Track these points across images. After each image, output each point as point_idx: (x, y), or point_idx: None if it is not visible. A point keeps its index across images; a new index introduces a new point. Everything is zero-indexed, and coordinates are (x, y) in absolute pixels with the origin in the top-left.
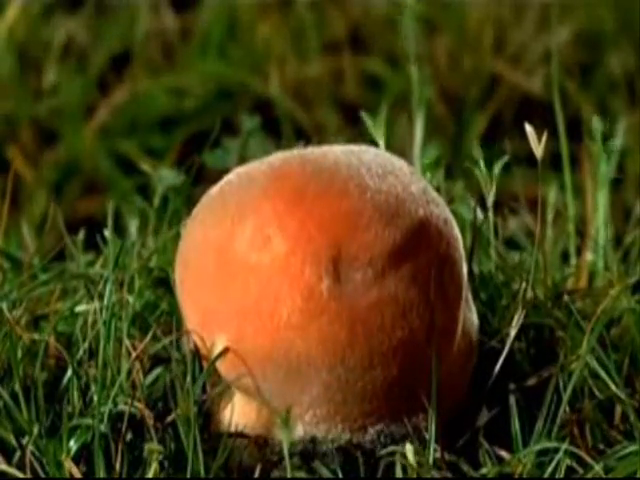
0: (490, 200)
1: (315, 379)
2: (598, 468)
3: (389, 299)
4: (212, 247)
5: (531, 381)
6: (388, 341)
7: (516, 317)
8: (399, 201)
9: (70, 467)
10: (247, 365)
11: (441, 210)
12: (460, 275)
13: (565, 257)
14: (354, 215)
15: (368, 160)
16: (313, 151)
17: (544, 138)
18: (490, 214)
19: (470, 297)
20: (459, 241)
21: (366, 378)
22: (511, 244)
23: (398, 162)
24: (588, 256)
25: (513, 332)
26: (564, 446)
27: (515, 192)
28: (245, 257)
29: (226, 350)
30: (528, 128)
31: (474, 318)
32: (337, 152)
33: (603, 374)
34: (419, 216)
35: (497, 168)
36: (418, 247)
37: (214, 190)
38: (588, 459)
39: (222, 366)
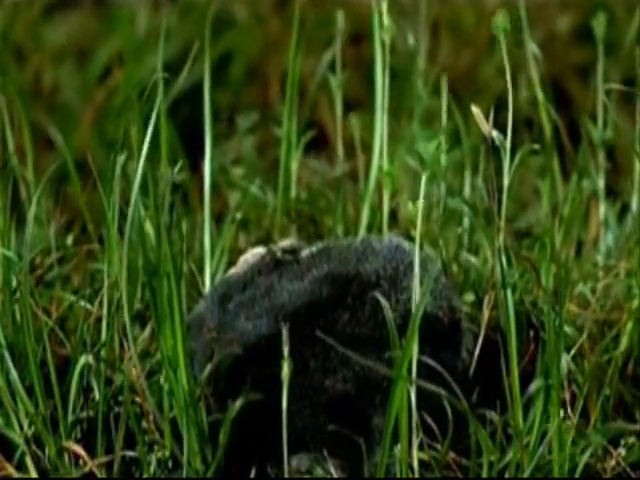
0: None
1: None
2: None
3: None
4: None
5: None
6: None
7: (486, 299)
8: None
9: (72, 447)
10: None
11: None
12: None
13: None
14: None
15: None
16: None
17: (491, 118)
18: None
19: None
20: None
21: None
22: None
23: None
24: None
25: (486, 315)
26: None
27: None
28: None
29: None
30: (474, 109)
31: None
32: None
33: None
34: None
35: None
36: None
37: None
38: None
39: None
